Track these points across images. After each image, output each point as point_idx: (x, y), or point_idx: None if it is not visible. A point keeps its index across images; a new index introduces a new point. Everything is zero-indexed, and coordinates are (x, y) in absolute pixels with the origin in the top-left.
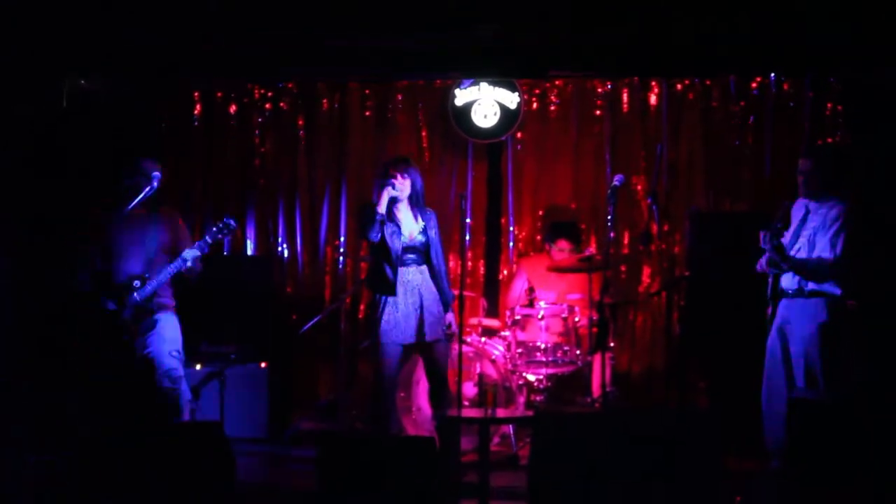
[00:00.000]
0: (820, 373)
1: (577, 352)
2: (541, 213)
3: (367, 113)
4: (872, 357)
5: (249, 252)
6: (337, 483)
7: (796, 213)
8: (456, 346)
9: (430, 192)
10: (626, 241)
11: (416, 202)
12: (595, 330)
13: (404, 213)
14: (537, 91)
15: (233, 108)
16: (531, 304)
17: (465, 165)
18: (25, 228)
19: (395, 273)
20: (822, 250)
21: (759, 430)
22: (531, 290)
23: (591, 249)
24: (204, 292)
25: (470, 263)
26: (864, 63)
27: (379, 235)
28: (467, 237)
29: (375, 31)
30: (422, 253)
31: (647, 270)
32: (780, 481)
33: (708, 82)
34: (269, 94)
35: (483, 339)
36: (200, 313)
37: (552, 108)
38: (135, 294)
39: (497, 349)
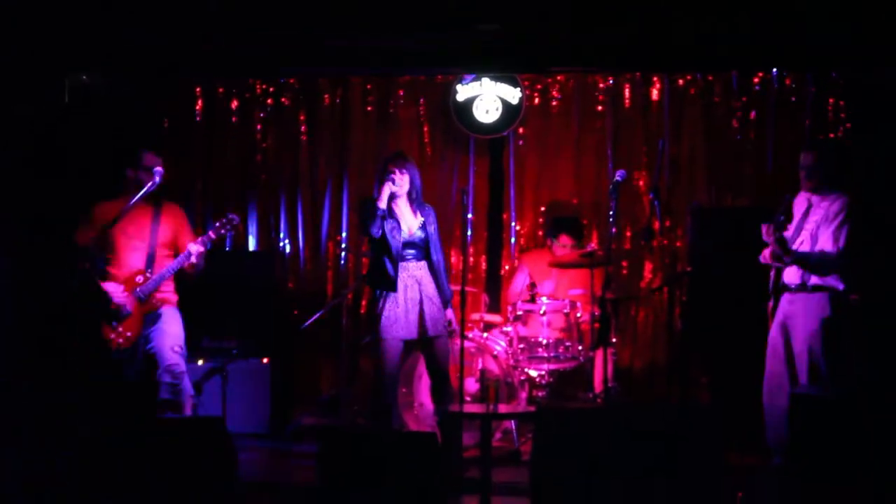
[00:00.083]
0: (824, 369)
1: (579, 347)
2: (542, 208)
3: (369, 108)
4: (873, 355)
5: (251, 247)
6: (338, 478)
7: (798, 206)
8: (457, 342)
9: (432, 188)
10: (627, 236)
11: (414, 198)
12: (597, 325)
13: (403, 208)
14: (539, 86)
15: (234, 104)
16: (533, 299)
17: (466, 161)
18: (25, 228)
19: (396, 268)
20: (825, 244)
21: (760, 425)
22: (533, 285)
23: (593, 245)
24: (206, 287)
25: (471, 259)
26: (864, 63)
27: (380, 231)
28: (469, 232)
29: (375, 30)
30: (421, 248)
31: (648, 266)
32: (782, 477)
33: (710, 77)
34: (271, 89)
35: (485, 334)
36: (202, 308)
37: (554, 103)
38: (137, 289)
39: (499, 345)
